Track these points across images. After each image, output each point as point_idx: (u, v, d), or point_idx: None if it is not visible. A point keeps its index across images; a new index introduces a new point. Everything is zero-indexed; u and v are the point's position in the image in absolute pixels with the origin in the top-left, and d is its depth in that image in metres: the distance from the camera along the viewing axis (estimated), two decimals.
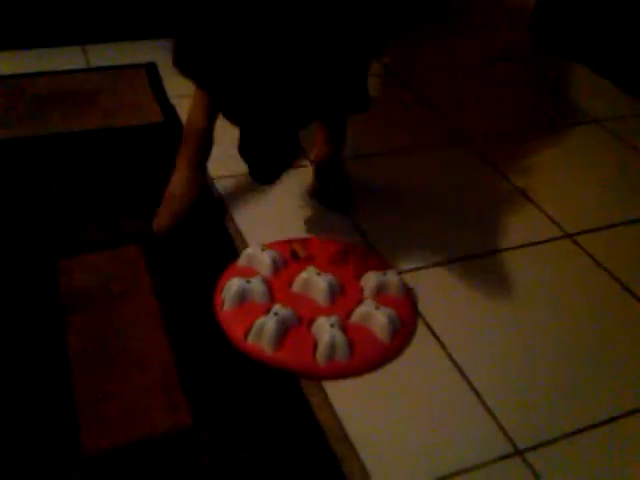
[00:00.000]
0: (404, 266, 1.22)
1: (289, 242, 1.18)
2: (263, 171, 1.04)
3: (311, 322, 1.04)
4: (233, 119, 1.06)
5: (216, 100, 1.07)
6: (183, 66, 1.11)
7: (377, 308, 1.06)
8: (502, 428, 0.97)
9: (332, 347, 1.00)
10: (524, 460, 0.93)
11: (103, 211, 1.28)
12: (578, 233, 1.36)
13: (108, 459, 0.88)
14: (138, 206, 1.29)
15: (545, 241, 1.33)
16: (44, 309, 1.08)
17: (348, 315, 1.07)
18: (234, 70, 0.96)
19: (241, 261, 1.14)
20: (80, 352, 1.01)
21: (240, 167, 1.41)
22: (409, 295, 1.14)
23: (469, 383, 1.03)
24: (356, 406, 0.98)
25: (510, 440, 0.95)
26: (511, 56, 2.08)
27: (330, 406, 0.97)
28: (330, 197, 1.34)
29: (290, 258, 1.15)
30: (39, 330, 1.04)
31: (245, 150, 1.04)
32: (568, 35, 2.09)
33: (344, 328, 1.03)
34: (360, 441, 0.93)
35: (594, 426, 0.98)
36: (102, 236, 1.23)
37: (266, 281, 1.09)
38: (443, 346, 1.09)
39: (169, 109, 1.60)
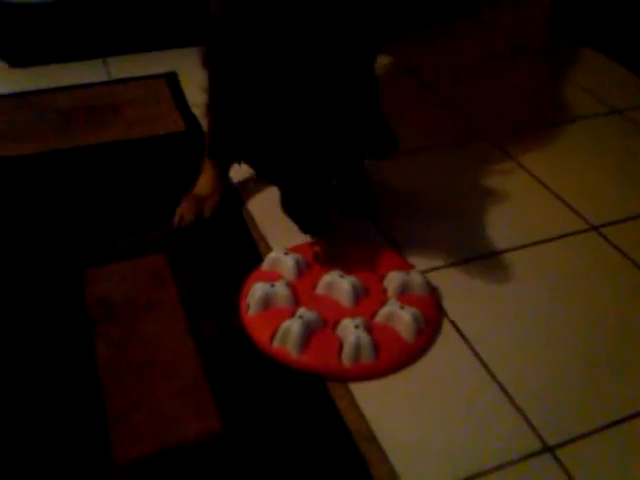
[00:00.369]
0: (427, 265, 1.21)
1: (312, 245, 1.18)
2: (310, 223, 1.12)
3: (336, 324, 1.05)
4: (274, 183, 1.16)
5: (256, 171, 1.15)
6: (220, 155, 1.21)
7: (401, 308, 1.06)
8: (530, 424, 0.96)
9: (357, 348, 1.00)
10: (554, 457, 0.93)
11: (128, 220, 1.30)
12: (603, 225, 1.34)
13: (139, 468, 0.89)
14: (163, 214, 1.31)
15: (570, 234, 1.32)
16: (72, 319, 1.10)
17: (372, 316, 1.07)
18: (271, 146, 1.05)
19: (265, 265, 1.15)
20: (108, 362, 1.03)
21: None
22: (433, 294, 1.14)
23: (495, 380, 1.03)
24: (383, 407, 0.98)
25: (539, 437, 0.95)
26: (530, 48, 2.06)
27: (357, 407, 0.98)
28: (352, 203, 1.34)
29: (313, 261, 1.16)
30: (67, 340, 1.06)
31: (288, 208, 1.12)
32: (586, 24, 2.07)
33: (369, 329, 1.04)
34: (388, 442, 0.93)
35: (623, 420, 0.97)
36: (128, 245, 1.25)
37: (290, 284, 1.09)
38: (468, 344, 1.08)
39: (190, 117, 1.62)
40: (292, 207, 1.12)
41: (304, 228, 1.13)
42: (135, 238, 1.27)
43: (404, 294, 1.11)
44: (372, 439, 0.94)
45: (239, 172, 1.39)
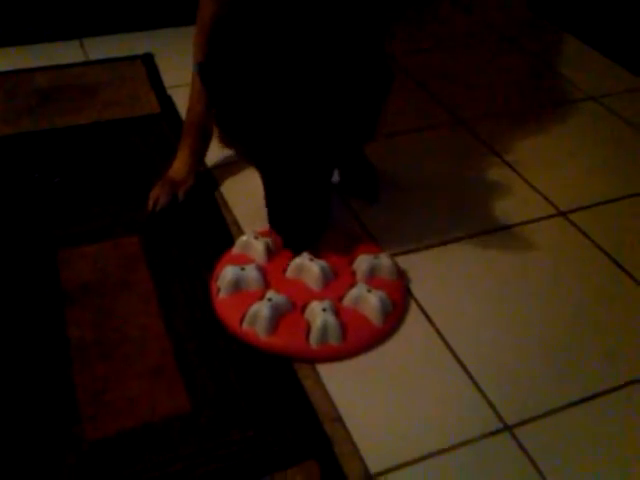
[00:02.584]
0: (397, 249, 1.24)
1: None
2: (295, 239, 1.13)
3: (304, 307, 1.07)
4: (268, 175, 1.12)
5: (251, 155, 1.12)
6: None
7: (369, 291, 1.08)
8: (492, 405, 0.99)
9: (324, 330, 1.02)
10: (513, 436, 0.95)
11: (103, 202, 1.31)
12: (571, 211, 1.37)
13: (109, 446, 0.91)
14: (137, 197, 1.32)
15: (538, 219, 1.35)
16: (45, 299, 1.11)
17: (341, 299, 1.09)
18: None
19: (236, 249, 1.16)
20: (80, 342, 1.04)
21: (236, 156, 1.45)
22: (401, 278, 1.16)
23: (460, 362, 1.05)
24: (348, 387, 1.01)
25: (499, 416, 0.98)
26: (509, 34, 2.07)
27: (323, 388, 1.00)
28: (357, 187, 1.36)
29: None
30: (40, 319, 1.08)
31: (275, 219, 1.12)
32: (565, 11, 2.08)
33: (336, 312, 1.06)
34: (352, 421, 0.96)
35: (581, 401, 1.00)
36: (102, 227, 1.26)
37: (260, 268, 1.11)
38: (435, 326, 1.11)
39: (166, 99, 1.62)
40: (279, 217, 1.12)
41: (288, 244, 1.13)
42: (109, 220, 1.28)
43: (372, 277, 1.13)
44: (337, 418, 0.96)
45: (214, 156, 1.40)
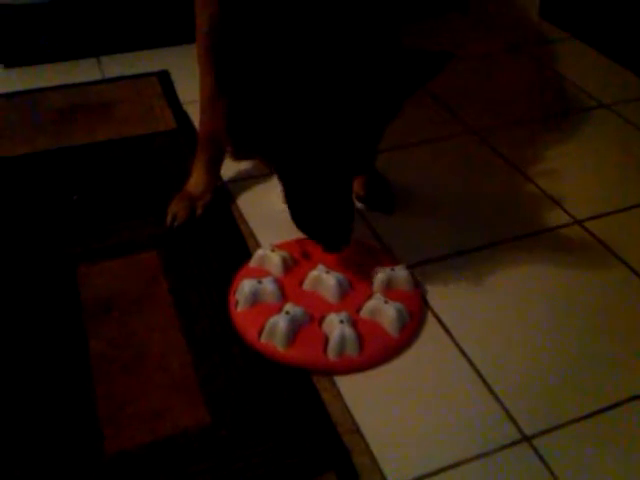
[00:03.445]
0: (413, 260, 1.24)
1: (300, 242, 1.21)
2: (333, 239, 1.08)
3: (322, 319, 1.08)
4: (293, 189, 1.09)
5: (272, 162, 1.11)
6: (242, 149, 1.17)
7: (386, 302, 1.09)
8: (510, 415, 0.99)
9: (342, 342, 1.03)
10: (532, 446, 0.95)
11: (121, 218, 1.33)
12: (587, 219, 1.37)
13: (130, 459, 0.92)
14: (155, 212, 1.33)
15: (554, 228, 1.34)
16: (66, 315, 1.13)
17: (358, 310, 1.10)
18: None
19: (253, 262, 1.17)
20: (101, 356, 1.06)
21: (251, 169, 1.46)
22: (418, 288, 1.17)
23: (477, 372, 1.06)
24: (367, 399, 1.01)
25: (517, 426, 0.98)
26: (522, 42, 2.07)
27: (342, 400, 1.01)
28: (373, 199, 1.36)
29: (301, 257, 1.19)
30: (61, 335, 1.10)
31: (302, 223, 1.09)
32: (577, 18, 2.09)
33: (354, 323, 1.06)
34: (371, 433, 0.96)
35: (599, 412, 1.00)
36: (120, 242, 1.28)
37: (277, 281, 1.12)
38: (452, 337, 1.11)
39: (182, 115, 1.64)
40: (313, 223, 1.08)
41: (328, 245, 1.10)
42: (128, 235, 1.29)
43: (389, 289, 1.13)
44: (356, 430, 0.97)
45: (228, 170, 1.42)
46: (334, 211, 1.07)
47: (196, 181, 1.35)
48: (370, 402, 1.01)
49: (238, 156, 1.27)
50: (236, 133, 1.08)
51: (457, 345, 1.10)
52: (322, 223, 1.08)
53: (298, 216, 1.09)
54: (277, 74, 0.97)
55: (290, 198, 1.09)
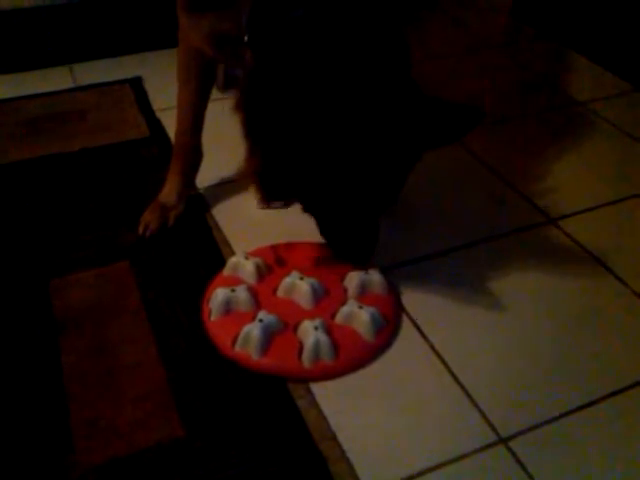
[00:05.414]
0: (388, 262, 1.24)
1: (273, 248, 1.21)
2: (360, 254, 1.14)
3: (296, 326, 1.07)
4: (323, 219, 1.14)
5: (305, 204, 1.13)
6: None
7: (360, 307, 1.08)
8: (486, 418, 0.99)
9: (316, 349, 1.03)
10: (508, 448, 0.95)
11: (93, 229, 1.31)
12: (561, 217, 1.37)
13: (102, 473, 0.91)
14: (127, 222, 1.32)
15: (529, 228, 1.35)
16: (38, 329, 1.11)
17: (332, 316, 1.09)
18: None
19: (226, 270, 1.17)
20: (74, 369, 1.04)
21: (226, 176, 1.45)
22: (392, 292, 1.16)
23: (453, 376, 1.05)
24: (342, 405, 1.01)
25: (494, 429, 0.98)
26: (494, 42, 2.08)
27: (317, 406, 1.00)
28: None
29: (275, 264, 1.18)
30: (33, 349, 1.08)
31: (336, 243, 1.15)
32: (549, 17, 2.10)
33: (329, 329, 1.06)
34: (347, 440, 0.96)
35: (575, 410, 1.00)
36: (92, 253, 1.26)
37: (250, 289, 1.11)
38: (428, 341, 1.11)
39: (155, 123, 1.63)
40: (341, 242, 1.14)
41: (354, 260, 1.15)
42: (99, 246, 1.28)
43: (363, 293, 1.13)
44: (332, 437, 0.96)
45: (204, 178, 1.41)
46: (361, 239, 1.12)
47: (169, 191, 1.33)
48: (346, 408, 1.00)
49: (268, 202, 1.32)
50: (269, 182, 1.10)
51: (433, 348, 1.10)
52: (349, 246, 1.13)
53: (329, 238, 1.14)
54: (310, 128, 0.98)
55: (321, 226, 1.14)
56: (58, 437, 0.96)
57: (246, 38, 1.05)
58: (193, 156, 1.33)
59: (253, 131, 1.06)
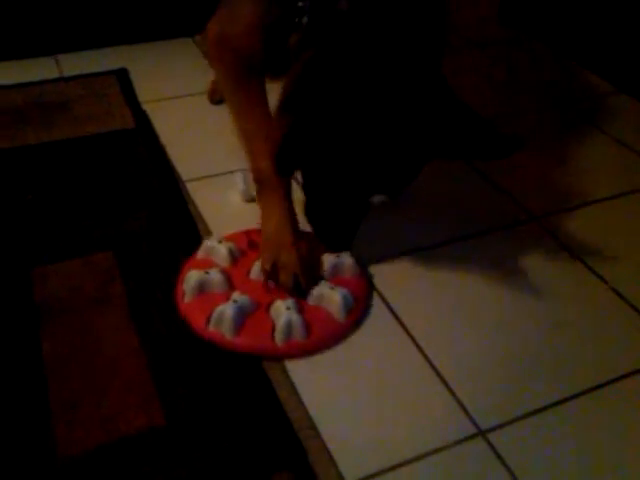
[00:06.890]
0: (367, 256, 1.23)
1: (247, 232, 1.22)
2: (336, 240, 1.16)
3: (269, 306, 1.09)
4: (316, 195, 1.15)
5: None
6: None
7: (331, 288, 1.10)
8: (463, 407, 0.99)
9: (289, 328, 1.04)
10: (486, 440, 0.95)
11: (76, 218, 1.32)
12: (544, 215, 1.37)
13: (83, 461, 0.91)
14: (111, 212, 1.33)
15: (513, 225, 1.36)
16: (19, 317, 1.12)
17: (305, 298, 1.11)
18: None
19: (200, 253, 1.18)
20: (55, 358, 1.05)
21: (210, 169, 1.46)
22: (363, 274, 1.18)
23: (428, 360, 1.06)
24: (321, 392, 1.01)
25: (473, 421, 0.98)
26: (479, 43, 2.08)
27: (296, 394, 1.01)
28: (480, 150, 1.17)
29: (248, 248, 1.20)
30: (14, 337, 1.08)
31: (316, 222, 1.15)
32: (534, 19, 2.11)
33: (301, 310, 1.08)
34: (326, 429, 0.96)
35: (554, 404, 1.00)
36: (76, 243, 1.27)
37: (224, 271, 1.13)
38: (401, 322, 1.12)
39: (141, 114, 1.64)
40: (324, 225, 1.15)
41: (329, 245, 1.16)
42: (83, 236, 1.28)
43: (335, 276, 1.15)
44: (311, 426, 0.96)
45: (187, 169, 1.42)
46: (343, 220, 1.13)
47: (282, 227, 1.16)
48: (324, 395, 1.01)
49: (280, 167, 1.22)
50: (289, 148, 1.06)
51: (406, 331, 1.11)
52: (330, 227, 1.14)
53: (312, 219, 1.15)
54: (347, 110, 1.00)
55: (310, 205, 1.15)
56: (38, 425, 0.96)
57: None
58: (287, 183, 1.18)
59: (295, 105, 1.05)
